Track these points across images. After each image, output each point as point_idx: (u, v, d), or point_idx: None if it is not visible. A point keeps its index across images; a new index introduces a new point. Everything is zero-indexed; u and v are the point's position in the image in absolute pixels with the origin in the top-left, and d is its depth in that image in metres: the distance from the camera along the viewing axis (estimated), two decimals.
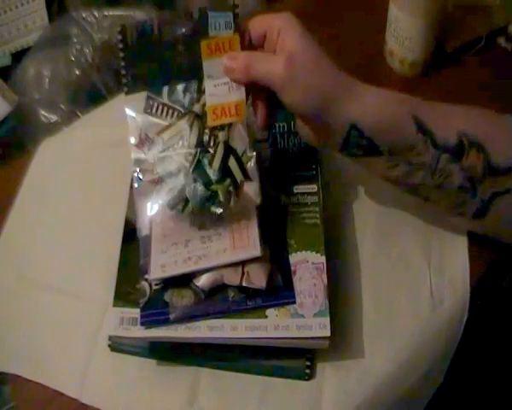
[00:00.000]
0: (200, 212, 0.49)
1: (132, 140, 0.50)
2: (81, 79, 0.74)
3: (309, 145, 0.59)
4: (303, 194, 0.55)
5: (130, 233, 0.54)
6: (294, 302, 0.48)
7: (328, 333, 0.47)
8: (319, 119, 0.46)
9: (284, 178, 0.56)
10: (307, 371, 0.49)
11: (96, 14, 0.77)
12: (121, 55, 0.50)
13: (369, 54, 0.72)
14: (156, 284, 0.50)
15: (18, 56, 0.79)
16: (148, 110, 0.50)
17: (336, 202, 0.59)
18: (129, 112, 0.50)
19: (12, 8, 0.79)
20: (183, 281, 0.49)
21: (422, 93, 0.68)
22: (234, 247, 0.49)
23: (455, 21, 0.72)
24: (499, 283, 0.63)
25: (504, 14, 0.73)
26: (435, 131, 0.46)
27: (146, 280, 0.50)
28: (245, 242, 0.49)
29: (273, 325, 0.47)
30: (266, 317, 0.48)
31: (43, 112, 0.73)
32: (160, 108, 0.50)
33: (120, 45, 0.50)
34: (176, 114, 0.50)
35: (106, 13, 0.77)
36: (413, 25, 0.66)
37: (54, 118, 0.72)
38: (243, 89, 0.48)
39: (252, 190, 0.50)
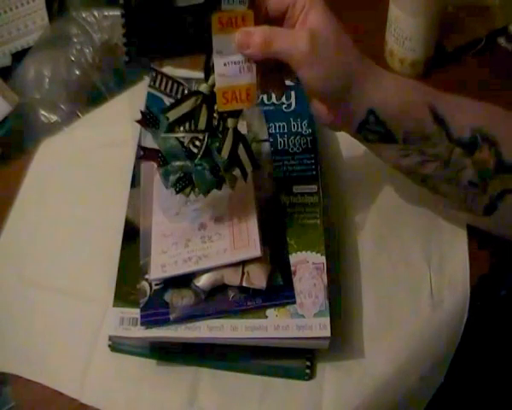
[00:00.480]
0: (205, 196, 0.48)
1: (135, 116, 0.48)
2: (81, 79, 0.74)
3: (309, 145, 0.59)
4: (303, 194, 0.55)
5: (130, 233, 0.54)
6: (294, 302, 0.48)
7: (328, 333, 0.47)
8: (338, 99, 0.46)
9: (284, 178, 0.56)
10: (307, 371, 0.49)
11: (96, 14, 0.76)
12: (123, 21, 0.46)
13: (369, 54, 0.72)
14: (156, 284, 0.50)
15: (18, 56, 0.79)
16: (151, 83, 0.47)
17: (336, 202, 0.59)
18: (132, 85, 0.47)
19: (12, 9, 0.79)
20: (184, 281, 0.49)
21: None
22: (234, 247, 0.49)
23: (455, 21, 0.72)
24: (498, 287, 0.63)
25: (504, 15, 0.73)
26: (450, 124, 0.46)
27: (146, 280, 0.50)
28: (245, 242, 0.49)
29: (273, 325, 0.47)
30: (266, 317, 0.48)
31: (43, 112, 0.73)
32: (165, 81, 0.46)
33: (122, 1, 0.46)
34: (181, 89, 0.46)
35: (106, 13, 0.77)
36: (413, 25, 0.66)
37: (54, 118, 0.72)
38: (254, 70, 0.45)
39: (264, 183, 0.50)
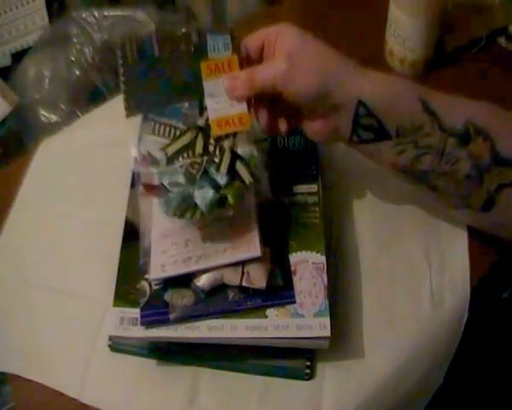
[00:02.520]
0: (208, 216, 0.48)
1: (135, 157, 0.50)
2: (81, 79, 0.74)
3: (309, 145, 0.59)
4: (303, 194, 0.55)
5: (131, 233, 0.54)
6: (294, 302, 0.48)
7: (328, 333, 0.47)
8: (326, 102, 0.46)
9: (284, 178, 0.56)
10: (307, 371, 0.49)
11: (96, 14, 0.77)
12: (122, 78, 0.50)
13: (369, 54, 0.72)
14: (156, 284, 0.50)
15: (18, 56, 0.79)
16: (149, 131, 0.50)
17: (336, 202, 0.59)
18: (131, 133, 0.51)
19: (12, 9, 0.79)
20: (183, 281, 0.49)
21: None
22: (234, 247, 0.49)
23: (455, 21, 0.72)
24: (500, 288, 0.63)
25: (504, 14, 0.73)
26: (441, 115, 0.47)
27: (146, 280, 0.50)
28: (245, 242, 0.49)
29: (273, 325, 0.47)
30: (266, 317, 0.48)
31: (43, 112, 0.73)
32: (163, 128, 0.50)
33: (121, 61, 0.50)
34: (178, 131, 0.50)
35: (106, 13, 0.77)
36: (413, 25, 0.66)
37: (54, 118, 0.72)
38: (245, 103, 0.49)
39: (262, 187, 0.51)
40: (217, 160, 0.48)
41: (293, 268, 0.50)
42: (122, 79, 0.50)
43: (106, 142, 0.65)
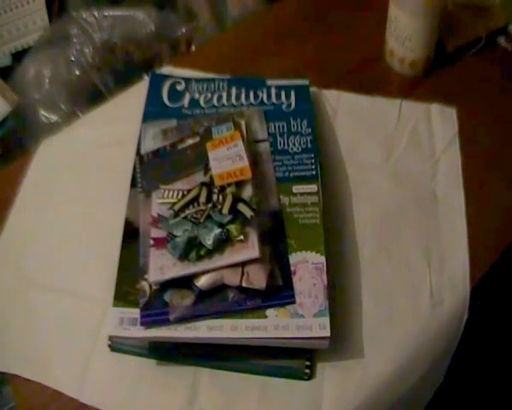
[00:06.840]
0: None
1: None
2: (81, 79, 0.74)
3: (309, 145, 0.59)
4: (303, 194, 0.55)
5: (131, 233, 0.54)
6: (294, 302, 0.48)
7: (327, 333, 0.47)
8: None
9: (284, 178, 0.56)
10: (307, 371, 0.49)
11: (95, 14, 0.77)
12: (138, 173, 0.57)
13: (369, 54, 0.72)
14: (156, 284, 0.50)
15: (18, 56, 0.79)
16: (160, 197, 0.53)
17: (336, 202, 0.59)
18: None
19: (12, 9, 0.79)
20: (183, 281, 0.49)
21: (422, 93, 0.68)
22: (232, 248, 0.49)
23: (455, 21, 0.72)
24: (499, 286, 0.63)
25: (504, 14, 0.73)
26: None
27: (146, 280, 0.50)
28: (244, 243, 0.49)
29: (273, 325, 0.47)
30: (266, 317, 0.48)
31: (43, 112, 0.73)
32: (171, 192, 0.54)
33: (137, 160, 0.57)
34: (186, 191, 0.53)
35: (106, 13, 0.77)
36: (413, 25, 0.66)
37: (54, 118, 0.72)
38: (245, 158, 0.53)
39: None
40: (219, 205, 0.51)
41: (292, 268, 0.50)
42: (139, 173, 0.57)
43: (106, 142, 0.65)
